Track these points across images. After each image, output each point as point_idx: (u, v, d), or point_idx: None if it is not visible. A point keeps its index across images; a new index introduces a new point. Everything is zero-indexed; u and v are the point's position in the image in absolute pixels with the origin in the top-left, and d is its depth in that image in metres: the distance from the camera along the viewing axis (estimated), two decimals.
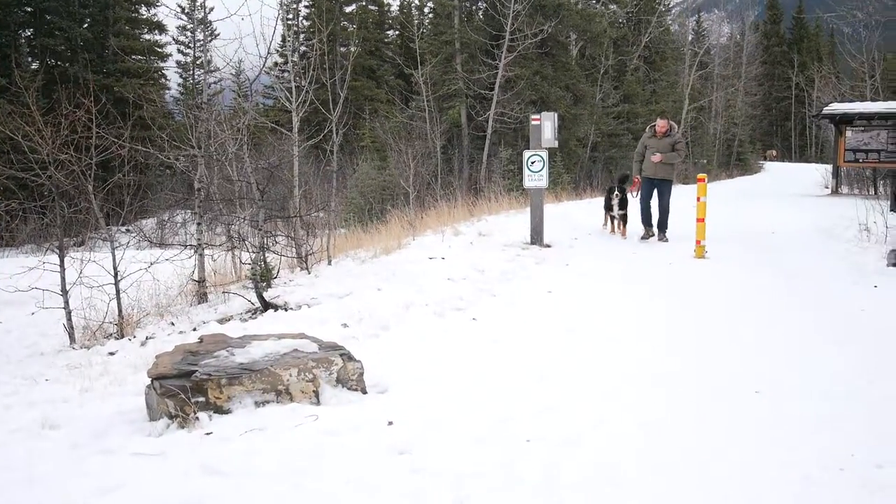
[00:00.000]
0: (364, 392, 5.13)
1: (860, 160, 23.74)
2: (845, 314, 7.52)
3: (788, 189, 28.85)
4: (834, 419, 4.62)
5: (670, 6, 47.35)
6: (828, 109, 24.87)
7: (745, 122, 54.91)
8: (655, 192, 12.68)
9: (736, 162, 51.16)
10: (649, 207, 12.78)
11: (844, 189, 26.01)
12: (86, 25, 40.62)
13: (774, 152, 69.38)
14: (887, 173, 22.96)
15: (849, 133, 23.64)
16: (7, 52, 37.04)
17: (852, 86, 38.65)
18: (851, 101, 31.46)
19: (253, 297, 8.57)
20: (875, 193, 22.23)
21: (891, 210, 14.42)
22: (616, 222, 13.47)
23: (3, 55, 36.74)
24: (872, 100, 31.05)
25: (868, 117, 23.32)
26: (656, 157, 12.36)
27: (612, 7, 37.79)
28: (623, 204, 13.18)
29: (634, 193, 13.08)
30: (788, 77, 68.48)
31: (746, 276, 9.72)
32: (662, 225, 12.68)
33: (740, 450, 4.19)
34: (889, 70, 43.29)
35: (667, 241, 12.48)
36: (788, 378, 5.44)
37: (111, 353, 7.05)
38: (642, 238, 12.77)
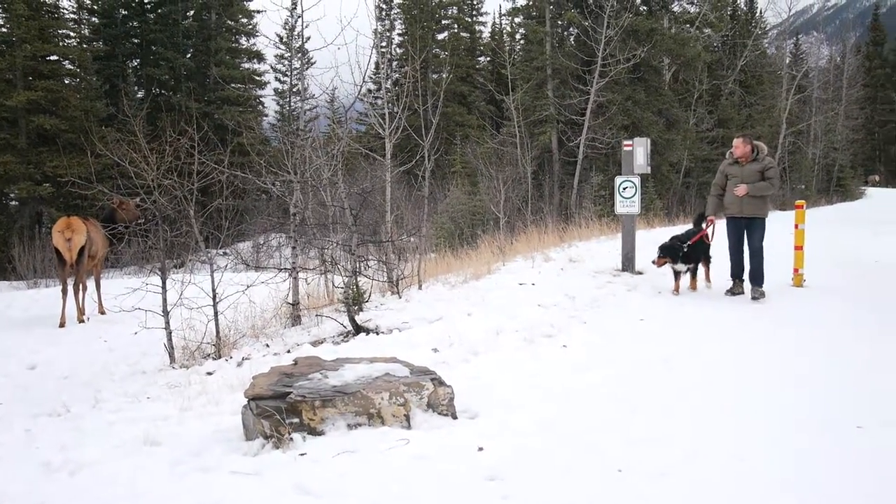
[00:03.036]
0: (454, 417, 5.14)
1: None
2: None
3: (893, 216, 27.83)
4: None
5: (767, 29, 46.54)
6: None
7: (846, 147, 53.22)
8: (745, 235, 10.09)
9: (836, 188, 49.64)
10: (741, 256, 10.12)
11: None
12: (189, 56, 42.03)
13: (877, 177, 67.01)
14: None
15: None
16: (115, 82, 38.76)
17: None
18: None
19: (345, 320, 8.68)
20: None
21: None
22: (681, 277, 10.45)
23: (111, 85, 38.43)
24: None
25: None
26: (740, 190, 9.75)
27: (707, 31, 37.22)
28: (686, 257, 10.18)
29: (710, 235, 10.48)
30: (892, 100, 66.40)
31: (847, 307, 9.41)
32: (755, 277, 9.89)
33: (840, 484, 4.05)
34: None
35: (761, 297, 9.74)
36: (892, 414, 5.23)
37: (209, 373, 7.22)
38: (728, 292, 10.20)
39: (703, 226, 10.44)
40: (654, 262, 10.30)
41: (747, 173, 9.82)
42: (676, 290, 10.34)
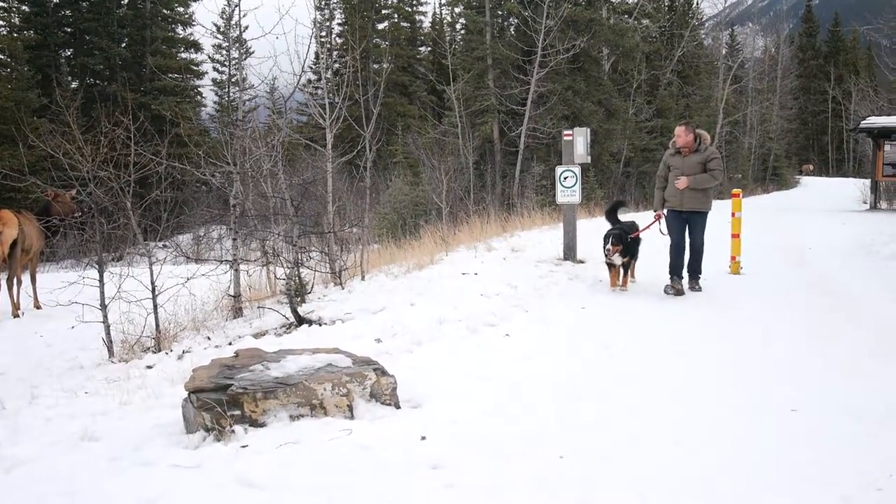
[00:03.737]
0: (397, 407, 5.16)
1: None
2: (885, 329, 7.44)
3: (825, 204, 28.57)
4: (869, 437, 4.58)
5: (703, 20, 47.29)
6: (865, 123, 24.62)
7: (781, 137, 54.50)
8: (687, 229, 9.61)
9: (772, 177, 50.73)
10: (681, 250, 9.56)
11: (883, 204, 25.58)
12: (124, 45, 41.25)
13: (811, 167, 68.57)
14: None
15: (888, 147, 23.26)
16: (48, 71, 37.82)
17: (890, 99, 38.25)
18: (890, 114, 30.98)
19: (287, 311, 8.62)
20: None
21: None
22: (615, 273, 9.86)
23: (44, 75, 37.50)
24: None
25: None
26: (680, 183, 9.26)
27: (645, 22, 37.68)
28: (626, 250, 9.61)
29: (662, 230, 9.88)
30: (825, 90, 67.86)
31: (782, 293, 9.65)
32: (694, 270, 9.62)
33: (777, 466, 4.17)
34: None
35: (700, 290, 9.58)
36: (825, 397, 5.39)
37: (149, 367, 7.12)
38: (667, 291, 9.46)
39: (653, 220, 9.92)
40: (608, 251, 9.53)
41: (689, 165, 9.29)
42: (613, 284, 9.85)
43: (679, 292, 9.45)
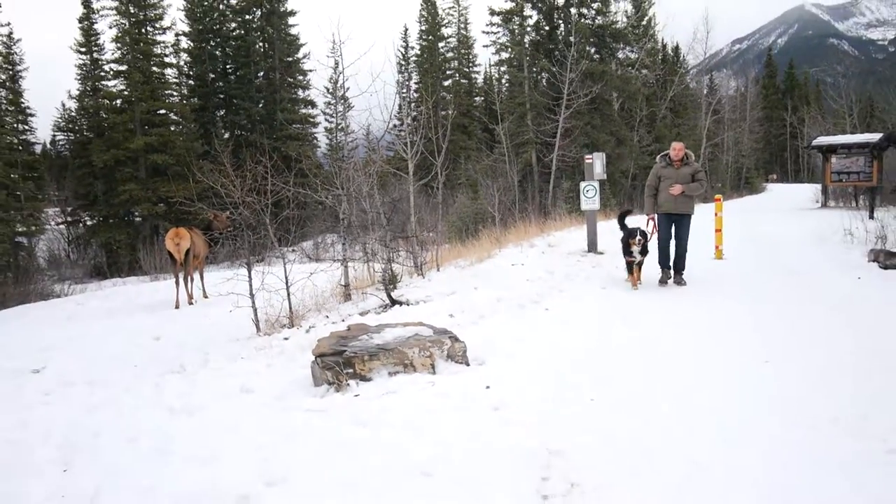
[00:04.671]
0: (467, 364, 5.16)
1: (843, 180, 22.55)
2: (836, 299, 7.17)
3: (787, 205, 27.57)
4: (826, 381, 4.42)
5: (688, 68, 46.12)
6: (816, 142, 23.82)
7: (751, 154, 52.82)
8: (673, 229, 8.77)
9: (744, 185, 49.27)
10: (669, 247, 8.78)
11: (832, 203, 24.65)
12: (261, 105, 41.90)
13: (775, 176, 66.49)
14: (865, 190, 21.74)
15: (833, 159, 22.48)
16: (208, 127, 38.79)
17: (835, 123, 36.90)
18: (835, 134, 29.89)
19: (383, 295, 8.67)
20: (856, 206, 21.05)
21: (869, 218, 13.74)
22: (636, 273, 8.67)
23: (205, 130, 38.46)
24: (851, 133, 29.54)
25: (848, 147, 22.22)
26: (676, 189, 8.48)
27: (644, 71, 36.88)
28: (645, 249, 8.63)
29: (651, 234, 8.80)
30: (783, 118, 65.73)
31: (757, 272, 9.38)
32: (679, 265, 8.75)
33: (756, 407, 4.05)
34: (863, 109, 40.98)
35: (685, 283, 8.63)
36: (790, 350, 5.23)
37: (285, 339, 7.21)
38: (661, 282, 8.77)
39: (647, 223, 8.88)
40: (638, 241, 8.47)
41: (682, 175, 8.55)
42: (635, 284, 8.64)
43: (667, 280, 8.78)
